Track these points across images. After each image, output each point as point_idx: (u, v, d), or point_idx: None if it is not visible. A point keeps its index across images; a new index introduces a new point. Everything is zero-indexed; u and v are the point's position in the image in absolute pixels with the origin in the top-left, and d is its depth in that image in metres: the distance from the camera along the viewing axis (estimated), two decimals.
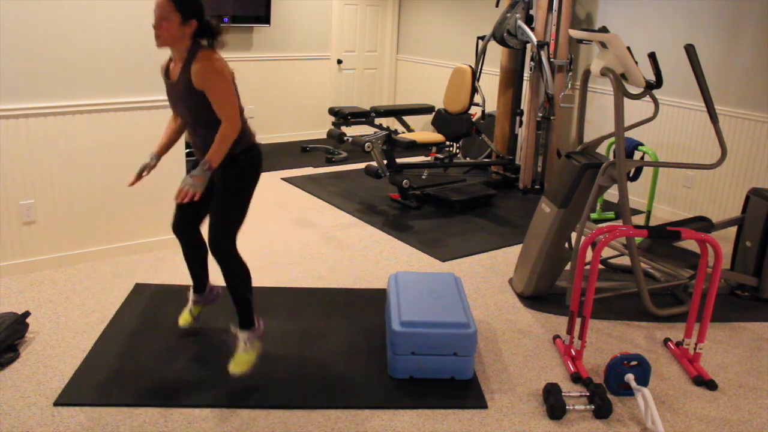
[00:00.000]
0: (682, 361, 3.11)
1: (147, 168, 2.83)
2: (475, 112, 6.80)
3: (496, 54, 6.55)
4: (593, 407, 2.68)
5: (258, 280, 3.78)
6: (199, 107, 2.58)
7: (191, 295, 3.16)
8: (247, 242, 4.35)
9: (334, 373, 2.88)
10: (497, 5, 5.81)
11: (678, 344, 3.22)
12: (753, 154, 4.76)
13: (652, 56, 3.40)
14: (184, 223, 2.92)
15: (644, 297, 3.44)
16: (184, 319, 3.16)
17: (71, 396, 2.62)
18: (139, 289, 3.59)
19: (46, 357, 2.90)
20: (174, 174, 4.08)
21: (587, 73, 3.67)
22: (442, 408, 2.69)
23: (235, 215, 2.70)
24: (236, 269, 2.74)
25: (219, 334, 3.17)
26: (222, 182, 2.67)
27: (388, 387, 2.80)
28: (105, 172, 3.84)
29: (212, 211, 2.70)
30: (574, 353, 3.02)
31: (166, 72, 2.72)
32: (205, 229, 2.81)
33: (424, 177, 5.64)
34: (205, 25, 2.59)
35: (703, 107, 5.01)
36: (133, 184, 2.80)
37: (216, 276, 3.41)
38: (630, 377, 2.79)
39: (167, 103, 3.92)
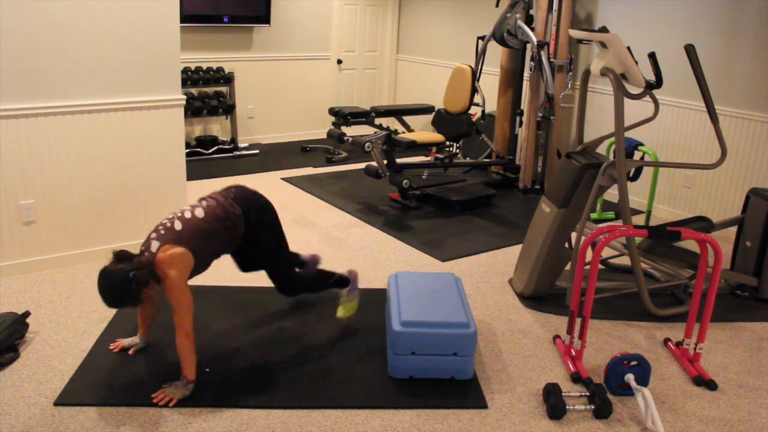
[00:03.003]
0: (682, 361, 3.11)
1: (135, 347, 3.00)
2: (475, 112, 6.81)
3: (496, 54, 6.55)
4: (593, 407, 2.68)
5: (258, 280, 3.78)
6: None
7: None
8: None
9: (334, 373, 2.88)
10: (497, 5, 5.81)
11: (678, 344, 3.22)
12: (753, 154, 4.76)
13: (652, 56, 3.40)
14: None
15: (644, 297, 3.44)
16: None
17: (71, 396, 2.63)
18: None
19: (46, 357, 2.90)
20: (174, 174, 4.08)
21: (587, 73, 3.67)
22: (442, 408, 2.69)
23: (280, 254, 3.01)
24: (308, 288, 3.16)
25: (218, 334, 3.17)
26: (253, 243, 2.91)
27: (388, 387, 2.80)
28: (105, 172, 3.84)
29: (264, 266, 3.00)
30: (574, 353, 3.02)
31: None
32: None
33: (424, 177, 5.64)
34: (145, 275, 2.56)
35: (703, 107, 5.01)
36: (114, 349, 2.98)
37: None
38: (630, 377, 2.79)
39: (167, 103, 3.93)
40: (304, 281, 3.13)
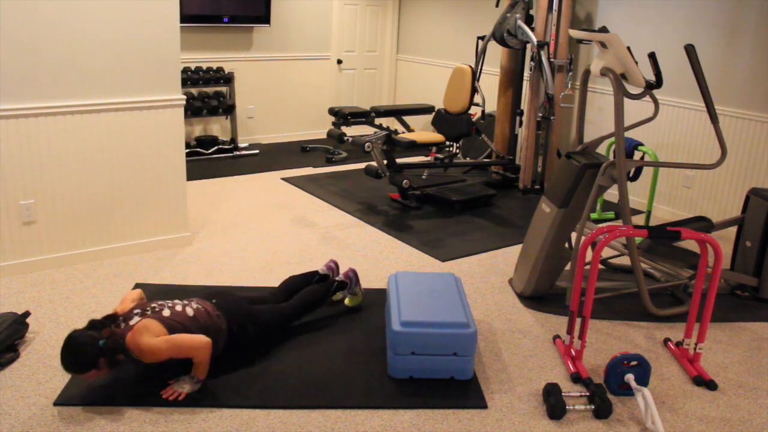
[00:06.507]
0: (682, 361, 3.11)
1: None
2: (475, 112, 6.81)
3: (496, 54, 6.55)
4: (593, 407, 2.68)
5: (258, 280, 3.78)
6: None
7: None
8: (248, 242, 4.35)
9: (334, 373, 2.88)
10: (497, 5, 5.81)
11: (678, 344, 3.22)
12: (753, 154, 4.76)
13: (652, 56, 3.40)
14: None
15: (644, 297, 3.44)
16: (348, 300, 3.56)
17: (71, 396, 2.63)
18: (139, 289, 3.58)
19: (46, 357, 2.90)
20: (174, 174, 4.08)
21: (587, 73, 3.67)
22: (442, 408, 2.69)
23: (266, 328, 3.03)
24: (306, 311, 3.20)
25: None
26: (238, 343, 2.93)
27: (388, 387, 2.80)
28: (105, 172, 3.84)
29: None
30: (574, 353, 3.02)
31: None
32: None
33: (424, 177, 5.64)
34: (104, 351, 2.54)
35: (703, 107, 5.01)
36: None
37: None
38: (630, 377, 2.79)
39: (167, 103, 3.93)
40: (299, 309, 3.16)
